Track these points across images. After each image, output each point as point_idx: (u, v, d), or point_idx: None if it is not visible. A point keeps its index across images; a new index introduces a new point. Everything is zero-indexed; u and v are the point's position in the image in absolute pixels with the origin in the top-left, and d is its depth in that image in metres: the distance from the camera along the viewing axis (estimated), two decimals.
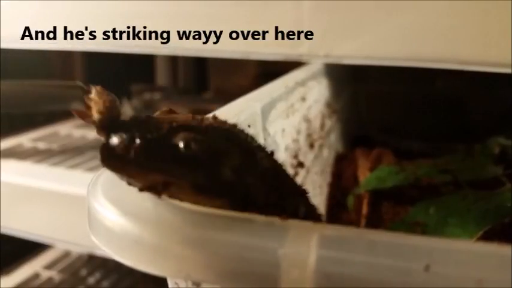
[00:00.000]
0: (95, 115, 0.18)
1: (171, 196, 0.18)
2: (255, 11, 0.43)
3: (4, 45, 0.53)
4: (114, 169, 0.18)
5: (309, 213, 0.23)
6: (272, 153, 0.22)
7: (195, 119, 0.20)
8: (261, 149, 0.22)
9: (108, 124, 0.18)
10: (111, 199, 0.19)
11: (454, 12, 0.37)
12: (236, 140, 0.20)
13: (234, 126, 0.21)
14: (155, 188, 0.18)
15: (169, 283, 0.23)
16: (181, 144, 0.18)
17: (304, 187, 0.24)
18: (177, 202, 0.19)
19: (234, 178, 0.19)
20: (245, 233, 0.17)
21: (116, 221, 0.18)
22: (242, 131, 0.21)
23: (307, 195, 0.24)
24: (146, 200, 0.19)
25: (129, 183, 0.18)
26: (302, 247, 0.17)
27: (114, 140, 0.17)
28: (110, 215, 0.19)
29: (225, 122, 0.21)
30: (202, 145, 0.18)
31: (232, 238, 0.17)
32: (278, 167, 0.22)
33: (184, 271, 0.17)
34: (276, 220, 0.18)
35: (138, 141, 0.17)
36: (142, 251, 0.18)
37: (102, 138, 0.18)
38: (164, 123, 0.18)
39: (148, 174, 0.17)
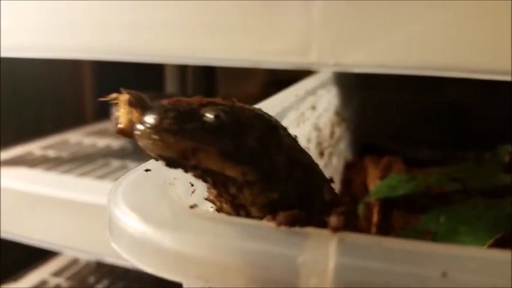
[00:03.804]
0: (127, 104, 0.20)
1: (199, 163, 0.20)
2: (264, 19, 0.44)
3: (4, 54, 0.53)
4: (147, 140, 0.19)
5: (335, 200, 0.24)
6: (296, 137, 0.24)
7: (224, 99, 0.22)
8: (285, 129, 0.23)
9: (140, 109, 0.20)
10: (132, 207, 0.20)
11: (463, 21, 0.37)
12: (260, 116, 0.22)
13: (260, 109, 0.23)
14: (185, 155, 0.19)
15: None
16: (210, 114, 0.20)
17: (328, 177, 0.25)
18: (197, 210, 0.19)
19: (257, 147, 0.21)
20: (264, 241, 0.18)
21: (137, 228, 0.19)
22: (267, 113, 0.23)
23: (331, 183, 0.25)
24: (167, 207, 0.19)
25: (160, 157, 0.20)
26: (321, 255, 0.17)
27: (149, 115, 0.19)
28: (131, 223, 0.19)
29: (251, 106, 0.23)
30: (229, 116, 0.20)
31: (251, 245, 0.18)
32: (301, 149, 0.24)
33: (204, 278, 0.18)
34: (295, 228, 0.18)
35: (171, 112, 0.19)
36: (163, 258, 0.18)
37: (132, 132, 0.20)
38: (195, 101, 0.20)
39: (179, 141, 0.19)
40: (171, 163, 0.20)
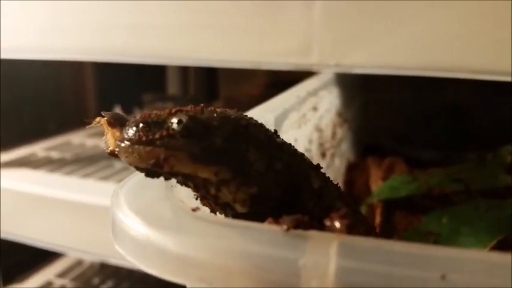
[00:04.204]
0: (109, 125, 0.22)
1: (172, 169, 0.20)
2: (265, 20, 0.44)
3: (5, 56, 0.53)
4: (124, 154, 0.20)
5: (326, 185, 0.25)
6: (275, 131, 0.25)
7: (196, 107, 0.22)
8: (261, 126, 0.24)
9: (119, 127, 0.21)
10: (135, 209, 0.20)
11: (464, 22, 0.37)
12: (227, 117, 0.23)
13: (230, 110, 0.24)
14: (158, 163, 0.20)
15: None
16: (175, 120, 0.21)
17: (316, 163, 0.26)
18: (199, 213, 0.19)
19: (226, 146, 0.21)
20: (266, 244, 0.18)
21: (140, 231, 0.19)
22: (239, 114, 0.24)
23: (320, 169, 0.26)
24: (169, 210, 0.19)
25: (138, 168, 0.21)
26: (322, 257, 0.17)
27: (125, 132, 0.21)
28: (134, 225, 0.19)
29: (223, 109, 0.23)
30: (194, 120, 0.21)
31: (253, 248, 0.18)
32: (282, 142, 0.25)
33: (206, 280, 0.18)
34: (296, 230, 0.18)
35: (142, 125, 0.21)
36: (166, 260, 0.18)
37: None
38: (164, 112, 0.21)
39: (150, 151, 0.20)
40: (148, 173, 0.21)
